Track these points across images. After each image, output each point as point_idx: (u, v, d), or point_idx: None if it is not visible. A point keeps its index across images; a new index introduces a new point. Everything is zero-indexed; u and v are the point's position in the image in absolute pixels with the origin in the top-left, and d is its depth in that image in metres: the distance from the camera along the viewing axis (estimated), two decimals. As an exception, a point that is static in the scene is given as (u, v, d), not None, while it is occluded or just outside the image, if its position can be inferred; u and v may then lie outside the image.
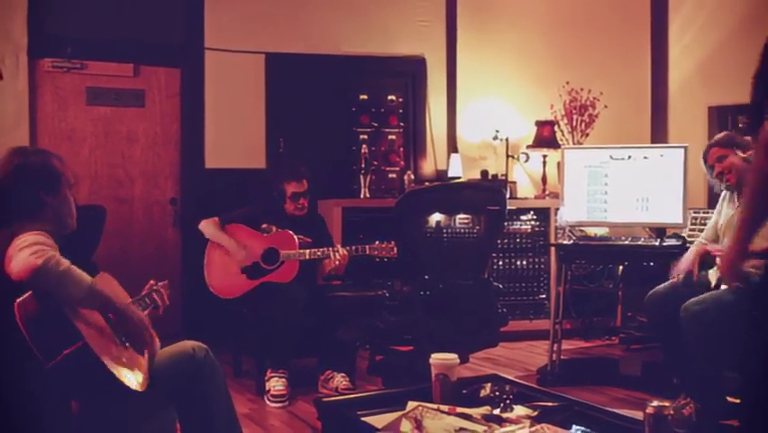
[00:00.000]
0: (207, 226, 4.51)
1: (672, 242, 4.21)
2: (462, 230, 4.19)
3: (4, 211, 2.21)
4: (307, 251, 4.34)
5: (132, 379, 2.12)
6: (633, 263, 5.13)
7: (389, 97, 6.25)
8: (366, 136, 6.13)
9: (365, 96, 6.18)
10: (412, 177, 6.00)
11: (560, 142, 6.10)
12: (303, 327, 4.26)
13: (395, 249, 4.28)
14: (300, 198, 4.51)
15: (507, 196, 4.88)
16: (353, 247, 4.38)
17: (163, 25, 5.68)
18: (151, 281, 2.69)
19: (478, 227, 4.17)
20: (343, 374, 4.24)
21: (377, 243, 4.33)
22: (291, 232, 4.42)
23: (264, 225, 4.49)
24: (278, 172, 4.64)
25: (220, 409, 2.43)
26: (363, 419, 2.33)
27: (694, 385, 3.44)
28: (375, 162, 6.08)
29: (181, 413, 2.43)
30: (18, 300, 2.01)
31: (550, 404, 2.40)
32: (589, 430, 2.31)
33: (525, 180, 6.44)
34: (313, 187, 4.62)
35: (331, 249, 4.34)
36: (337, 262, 4.30)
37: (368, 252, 4.34)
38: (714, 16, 6.02)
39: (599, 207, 4.51)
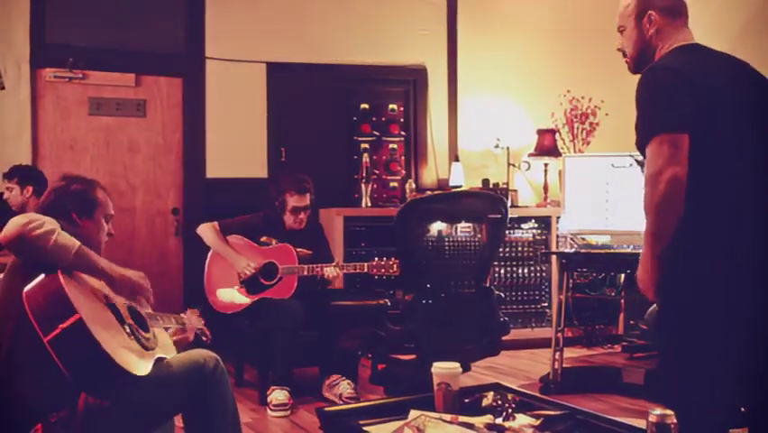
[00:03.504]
0: (207, 232, 4.48)
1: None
2: (464, 239, 4.18)
3: None
4: (306, 266, 4.32)
5: (136, 365, 2.13)
6: (635, 271, 5.11)
7: (390, 106, 6.26)
8: (367, 145, 6.13)
9: (366, 105, 6.19)
10: (413, 186, 6.00)
11: (561, 151, 6.10)
12: (304, 338, 4.26)
13: (395, 267, 4.23)
14: (300, 212, 4.46)
15: (509, 204, 4.88)
16: (352, 265, 4.37)
17: (164, 35, 5.70)
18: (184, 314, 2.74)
19: (479, 236, 4.17)
20: (349, 381, 4.21)
21: (375, 260, 4.29)
22: (291, 246, 4.40)
23: (264, 239, 4.47)
24: (281, 182, 4.57)
25: (226, 419, 2.43)
26: (365, 428, 2.32)
27: None
28: (376, 171, 6.09)
29: (187, 422, 2.43)
30: (26, 290, 2.05)
31: (552, 413, 2.39)
32: (591, 439, 2.31)
33: (526, 189, 6.44)
34: (315, 199, 4.58)
35: (329, 267, 4.31)
36: (331, 277, 4.31)
37: (366, 270, 4.30)
38: (716, 23, 6.02)
39: (601, 215, 4.51)
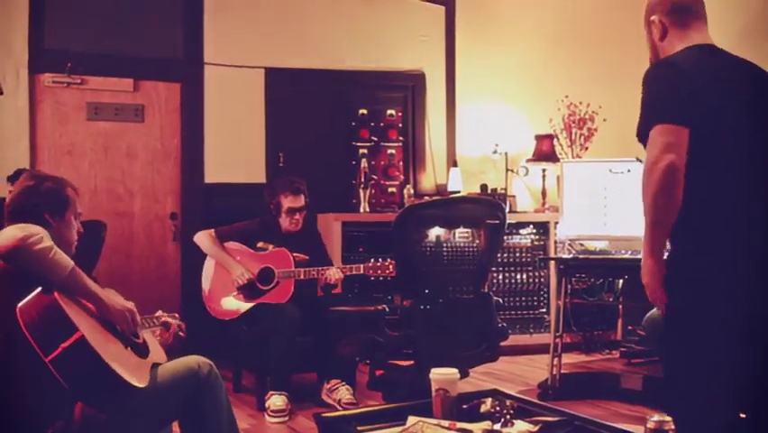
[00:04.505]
0: (204, 240, 4.49)
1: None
2: (462, 244, 4.18)
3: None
4: (302, 270, 4.32)
5: (137, 376, 2.13)
6: (633, 277, 5.11)
7: (389, 112, 6.27)
8: (365, 151, 6.14)
9: (364, 111, 6.20)
10: (411, 191, 6.00)
11: (559, 156, 6.11)
12: (302, 344, 4.25)
13: (391, 267, 4.25)
14: (296, 213, 4.48)
15: (507, 210, 4.88)
16: (348, 267, 4.37)
17: (163, 40, 5.70)
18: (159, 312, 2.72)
19: (477, 241, 4.17)
20: (348, 387, 4.21)
21: (372, 261, 4.31)
22: (287, 250, 4.40)
23: (260, 244, 4.47)
24: (275, 185, 4.61)
25: (221, 425, 2.43)
26: (363, 434, 2.32)
27: None
28: (374, 177, 6.09)
29: (183, 428, 2.43)
30: (20, 306, 2.04)
31: (551, 419, 2.39)
32: (590, 445, 2.30)
33: (524, 194, 6.45)
34: (311, 202, 4.60)
35: (325, 269, 4.32)
36: (332, 281, 4.31)
37: (362, 271, 4.31)
38: (714, 28, 6.03)
39: (599, 220, 4.51)
